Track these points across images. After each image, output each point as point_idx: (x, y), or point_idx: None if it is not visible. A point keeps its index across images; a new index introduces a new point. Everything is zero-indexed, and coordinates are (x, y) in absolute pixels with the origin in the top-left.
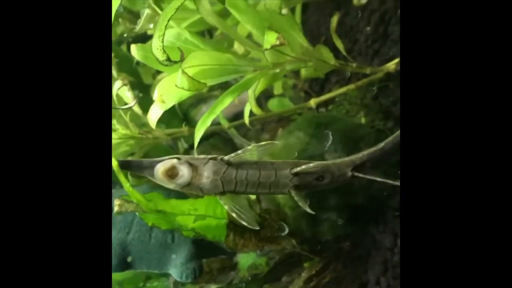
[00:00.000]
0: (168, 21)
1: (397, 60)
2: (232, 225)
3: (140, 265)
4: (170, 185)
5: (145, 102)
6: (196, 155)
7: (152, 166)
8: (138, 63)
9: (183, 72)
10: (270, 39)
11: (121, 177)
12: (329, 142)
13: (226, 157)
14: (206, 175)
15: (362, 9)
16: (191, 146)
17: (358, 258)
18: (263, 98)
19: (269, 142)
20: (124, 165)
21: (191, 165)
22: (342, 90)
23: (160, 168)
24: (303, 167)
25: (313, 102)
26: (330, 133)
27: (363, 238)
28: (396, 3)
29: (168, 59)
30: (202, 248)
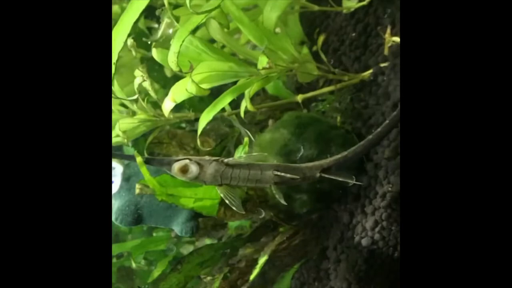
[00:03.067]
0: (183, 41)
1: (371, 70)
2: (223, 202)
3: (149, 222)
4: (182, 178)
5: (161, 77)
6: (202, 157)
7: (170, 163)
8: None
9: (193, 81)
10: (263, 62)
11: (143, 169)
12: (301, 154)
13: (225, 160)
14: (209, 172)
15: (350, 17)
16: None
17: (322, 228)
18: None
19: (259, 153)
20: (148, 161)
21: (199, 164)
22: (324, 90)
23: (176, 165)
24: (282, 174)
25: (299, 97)
26: (302, 146)
27: (327, 214)
28: (377, 20)
29: (181, 70)
30: None
